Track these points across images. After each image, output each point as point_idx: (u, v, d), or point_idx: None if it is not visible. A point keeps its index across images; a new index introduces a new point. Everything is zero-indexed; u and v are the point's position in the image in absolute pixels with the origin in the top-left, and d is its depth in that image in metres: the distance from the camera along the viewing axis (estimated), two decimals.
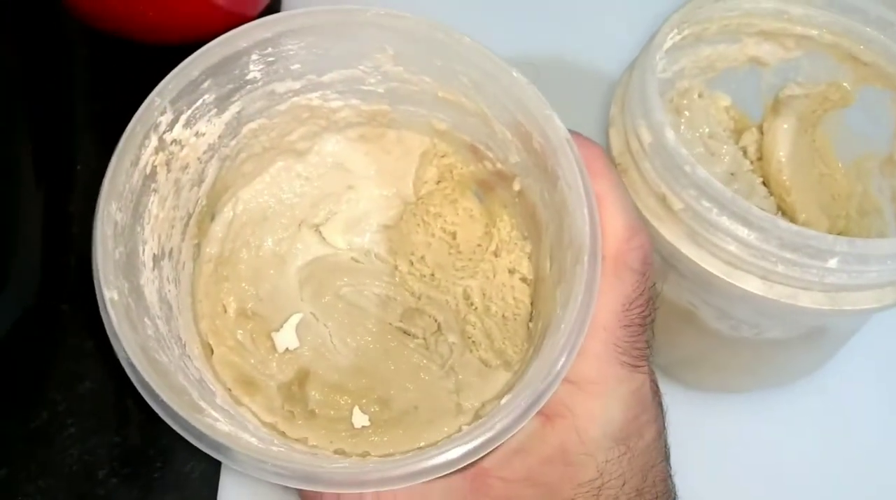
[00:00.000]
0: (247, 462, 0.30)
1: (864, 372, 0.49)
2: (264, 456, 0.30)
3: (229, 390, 0.36)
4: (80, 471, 0.44)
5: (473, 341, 0.38)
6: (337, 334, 0.39)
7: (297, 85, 0.37)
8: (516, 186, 0.38)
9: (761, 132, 0.49)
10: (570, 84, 0.56)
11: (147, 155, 0.34)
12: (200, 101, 0.35)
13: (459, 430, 0.35)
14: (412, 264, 0.40)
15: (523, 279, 0.39)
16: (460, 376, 0.38)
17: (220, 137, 0.37)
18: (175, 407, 0.30)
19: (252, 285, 0.39)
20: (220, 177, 0.38)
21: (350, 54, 0.37)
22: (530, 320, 0.38)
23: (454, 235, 0.41)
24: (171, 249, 0.36)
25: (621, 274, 0.33)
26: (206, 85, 0.35)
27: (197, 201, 0.38)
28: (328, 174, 0.41)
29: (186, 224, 0.37)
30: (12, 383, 0.46)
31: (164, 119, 0.34)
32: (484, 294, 0.39)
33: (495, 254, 0.40)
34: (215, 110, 0.36)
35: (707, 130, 0.48)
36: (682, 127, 0.47)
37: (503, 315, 0.39)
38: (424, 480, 0.30)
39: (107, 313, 0.31)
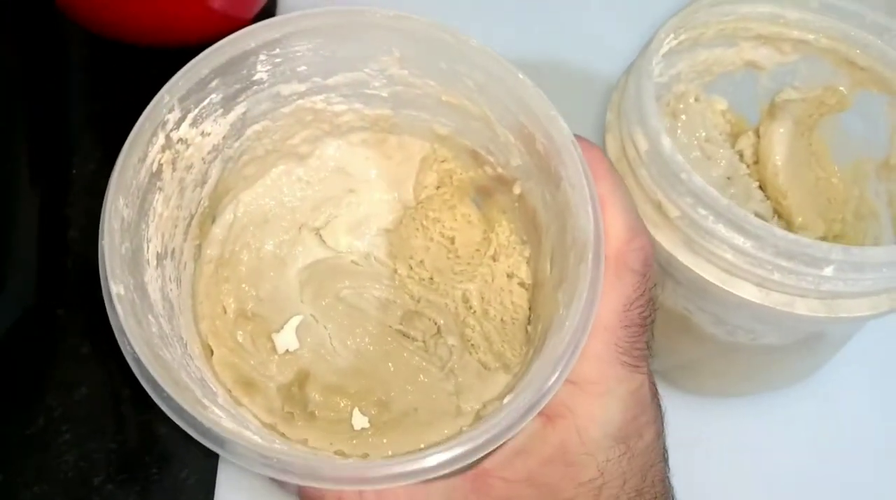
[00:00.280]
0: (252, 458, 0.30)
1: (860, 375, 0.49)
2: (269, 452, 0.30)
3: (229, 391, 0.36)
4: (75, 477, 0.44)
5: (472, 344, 0.39)
6: (337, 336, 0.39)
7: (302, 87, 0.38)
8: (517, 190, 0.38)
9: (758, 136, 0.49)
10: (568, 88, 0.56)
11: (154, 152, 0.34)
12: (208, 100, 0.35)
13: (460, 432, 0.35)
14: (411, 267, 0.40)
15: (521, 284, 0.39)
16: (460, 379, 0.38)
17: (224, 137, 0.37)
18: (181, 402, 0.30)
19: (252, 286, 0.39)
20: (223, 179, 0.38)
21: (356, 56, 0.37)
22: (528, 324, 0.39)
23: (452, 240, 0.41)
24: (174, 248, 0.36)
25: (622, 275, 0.33)
26: (213, 84, 0.35)
27: (199, 202, 0.38)
28: (329, 178, 0.41)
29: (189, 225, 0.37)
30: (8, 389, 0.46)
31: (172, 117, 0.34)
32: (483, 298, 0.39)
33: (493, 258, 0.40)
34: (221, 110, 0.36)
35: (703, 133, 0.48)
36: (679, 131, 0.47)
37: (501, 319, 0.39)
38: (429, 477, 0.30)
39: (113, 307, 0.31)
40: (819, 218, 0.48)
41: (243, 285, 0.39)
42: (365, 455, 0.35)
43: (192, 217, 0.38)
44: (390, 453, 0.36)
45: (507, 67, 0.35)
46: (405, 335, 0.39)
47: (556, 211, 0.35)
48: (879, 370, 0.49)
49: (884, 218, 0.46)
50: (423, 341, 0.39)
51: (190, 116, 0.35)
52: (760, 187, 0.49)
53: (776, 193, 0.48)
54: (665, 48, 0.42)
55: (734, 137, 0.49)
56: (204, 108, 0.35)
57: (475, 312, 0.39)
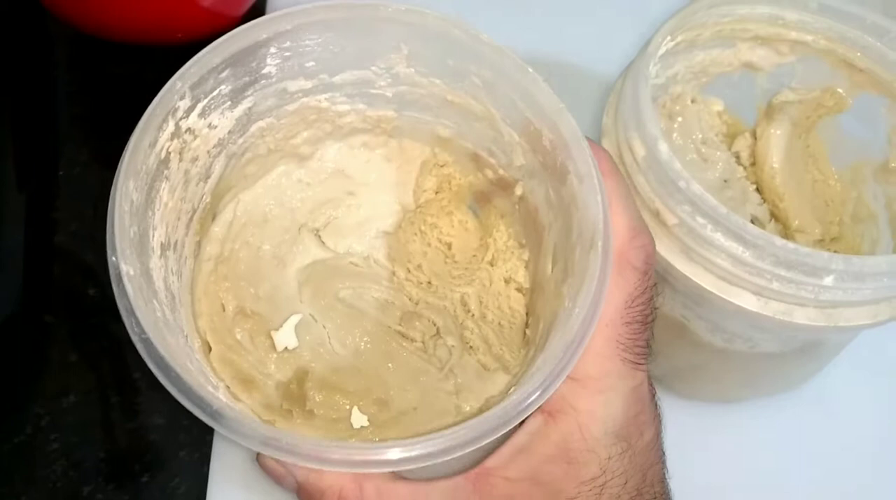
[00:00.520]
0: (261, 441, 0.29)
1: (858, 379, 0.49)
2: (278, 434, 0.30)
3: (228, 387, 0.36)
4: (64, 487, 0.43)
5: (471, 346, 0.39)
6: (335, 335, 0.39)
7: (308, 84, 0.38)
8: (518, 191, 0.38)
9: (755, 137, 0.49)
10: (565, 89, 0.55)
11: (164, 139, 0.34)
12: (217, 91, 0.35)
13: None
14: (409, 271, 0.41)
15: (519, 289, 0.39)
16: (459, 379, 0.38)
17: (229, 132, 0.37)
18: (190, 383, 0.30)
19: (251, 284, 0.39)
20: (225, 176, 0.39)
21: (364, 53, 0.37)
22: (527, 327, 0.39)
23: (450, 246, 0.41)
24: (177, 241, 0.36)
25: (624, 272, 0.33)
26: (224, 74, 0.35)
27: (202, 197, 0.38)
28: (329, 180, 0.42)
29: (191, 219, 0.38)
30: None
31: (183, 105, 0.34)
32: (480, 302, 0.40)
33: (491, 263, 0.40)
34: (229, 103, 0.36)
35: (700, 135, 0.47)
36: (675, 133, 0.47)
37: (499, 323, 0.39)
38: (439, 460, 0.29)
39: (122, 287, 0.31)
40: (816, 221, 0.47)
41: (242, 283, 0.39)
42: None
43: (194, 212, 0.38)
44: None
45: (517, 62, 0.35)
46: (404, 336, 0.39)
47: (561, 207, 0.35)
48: (877, 374, 0.49)
49: (881, 221, 0.46)
50: (423, 342, 0.39)
51: (199, 106, 0.35)
52: (757, 190, 0.48)
53: (773, 196, 0.48)
54: (662, 50, 0.41)
55: (731, 138, 0.49)
56: (213, 99, 0.35)
57: (473, 315, 0.40)
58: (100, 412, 0.45)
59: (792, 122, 0.47)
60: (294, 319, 0.39)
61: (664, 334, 0.42)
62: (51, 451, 0.44)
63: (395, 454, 0.29)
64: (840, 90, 0.45)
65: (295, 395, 0.36)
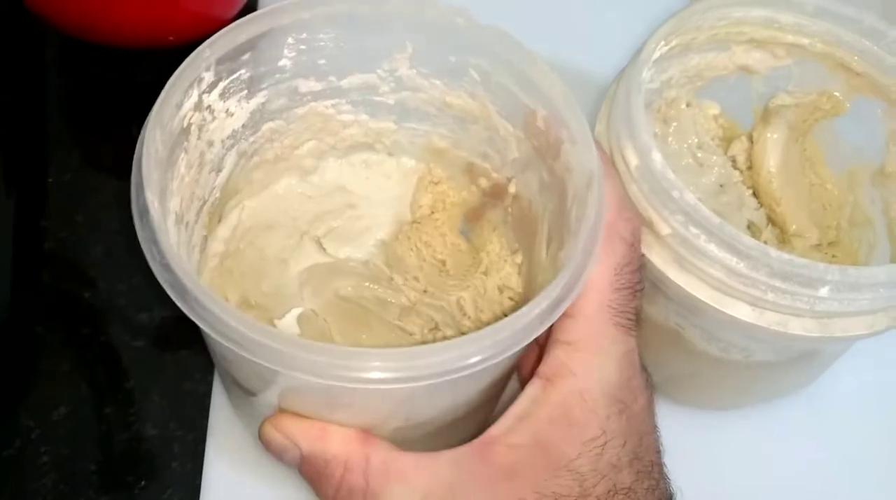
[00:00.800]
0: (304, 364, 0.29)
1: (855, 385, 0.48)
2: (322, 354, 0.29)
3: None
4: None
5: None
6: (336, 328, 0.40)
7: (318, 86, 0.40)
8: (511, 190, 0.40)
9: (751, 141, 0.48)
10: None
11: (188, 106, 0.35)
12: (237, 74, 0.37)
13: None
14: (406, 280, 0.42)
15: (512, 298, 0.40)
16: None
17: (243, 126, 0.39)
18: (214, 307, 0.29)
19: (255, 281, 0.40)
20: (234, 175, 0.40)
21: (372, 53, 0.39)
22: None
23: (444, 263, 0.43)
24: (188, 222, 0.37)
25: (613, 242, 0.34)
26: (245, 57, 0.36)
27: (212, 190, 0.39)
28: (330, 194, 0.44)
29: (201, 208, 0.39)
30: None
31: (207, 77, 0.35)
32: (476, 306, 0.41)
33: (485, 273, 0.41)
34: (246, 92, 0.38)
35: (696, 140, 0.47)
36: (670, 138, 0.46)
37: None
38: (470, 371, 0.30)
39: (149, 218, 0.30)
40: (813, 225, 0.47)
41: (246, 278, 0.40)
42: None
43: (204, 202, 0.39)
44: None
45: (513, 42, 0.37)
46: (403, 330, 0.40)
47: (555, 184, 0.36)
48: (875, 380, 0.49)
49: (879, 225, 0.45)
50: (421, 336, 0.40)
51: (221, 85, 0.36)
52: (754, 194, 0.47)
53: (770, 200, 0.47)
54: (656, 55, 0.41)
55: (727, 142, 0.48)
56: (233, 82, 0.37)
57: (469, 317, 0.41)
58: (91, 424, 0.44)
59: (789, 125, 0.47)
60: (296, 310, 0.40)
61: (658, 343, 0.41)
62: (41, 464, 0.43)
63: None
64: (837, 93, 0.45)
65: None
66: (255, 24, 0.36)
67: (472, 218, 0.43)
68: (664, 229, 0.36)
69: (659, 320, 0.41)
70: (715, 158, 0.47)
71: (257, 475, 0.43)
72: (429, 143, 0.42)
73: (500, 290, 0.41)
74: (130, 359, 0.46)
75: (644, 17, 0.45)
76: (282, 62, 0.38)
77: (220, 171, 0.39)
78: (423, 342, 0.39)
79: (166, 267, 0.30)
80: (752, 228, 0.47)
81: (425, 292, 0.41)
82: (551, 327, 0.32)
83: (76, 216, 0.50)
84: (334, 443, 0.33)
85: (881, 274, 0.34)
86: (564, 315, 0.32)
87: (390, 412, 0.34)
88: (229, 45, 0.35)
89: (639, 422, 0.34)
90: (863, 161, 0.45)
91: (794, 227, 0.47)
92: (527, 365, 0.37)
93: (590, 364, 0.33)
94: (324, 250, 0.42)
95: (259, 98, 0.39)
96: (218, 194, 0.40)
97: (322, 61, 0.39)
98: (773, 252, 0.34)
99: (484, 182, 0.42)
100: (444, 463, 0.33)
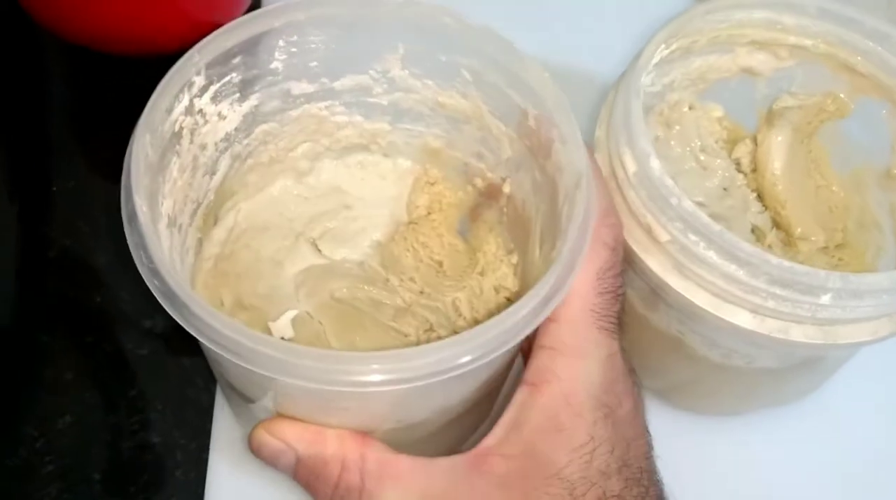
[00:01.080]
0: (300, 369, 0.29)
1: (859, 391, 0.48)
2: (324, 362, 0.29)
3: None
4: None
5: None
6: (331, 329, 0.40)
7: (310, 88, 0.40)
8: (506, 189, 0.40)
9: (755, 143, 0.47)
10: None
11: (178, 111, 0.35)
12: (229, 78, 0.37)
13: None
14: (402, 281, 0.42)
15: (508, 298, 0.40)
16: None
17: (236, 129, 0.39)
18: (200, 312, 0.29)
19: (250, 283, 0.40)
20: (228, 178, 0.40)
21: (364, 54, 0.39)
22: None
23: (441, 264, 0.42)
24: (181, 224, 0.37)
25: (596, 248, 0.34)
26: (236, 61, 0.36)
27: (206, 193, 0.39)
28: (326, 195, 0.43)
29: (195, 211, 0.39)
30: None
31: (198, 82, 0.35)
32: (472, 306, 0.41)
33: (481, 274, 0.41)
34: (238, 95, 0.38)
35: (699, 143, 0.46)
36: (673, 141, 0.46)
37: None
38: (457, 373, 0.30)
39: (137, 222, 0.31)
40: (819, 228, 0.46)
41: (241, 280, 0.40)
42: None
43: (198, 205, 0.39)
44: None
45: (502, 42, 0.36)
46: (398, 331, 0.40)
47: (546, 184, 0.36)
48: (878, 386, 0.48)
49: (886, 228, 0.44)
50: (416, 337, 0.40)
51: (212, 89, 0.36)
52: (758, 197, 0.47)
53: (775, 203, 0.46)
54: (656, 58, 0.40)
55: (731, 143, 0.48)
56: (224, 85, 0.37)
57: (464, 317, 0.40)
58: (95, 433, 0.44)
59: (793, 127, 0.46)
60: (291, 312, 0.40)
61: (660, 350, 0.41)
62: (45, 474, 0.43)
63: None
64: (841, 95, 0.44)
65: None
66: (244, 27, 0.36)
67: (471, 217, 0.43)
68: (663, 236, 0.36)
69: (660, 326, 0.40)
70: (719, 160, 0.46)
71: (261, 482, 0.43)
72: (424, 143, 0.42)
73: (497, 290, 0.41)
74: (134, 367, 0.47)
75: (647, 19, 0.45)
76: (273, 65, 0.38)
77: (214, 174, 0.39)
78: (418, 343, 0.39)
79: (154, 271, 0.30)
80: (757, 232, 0.46)
81: (421, 292, 0.41)
82: (535, 332, 0.32)
83: (80, 224, 0.50)
84: (331, 444, 0.33)
85: (884, 281, 0.34)
86: (548, 320, 0.32)
87: (383, 415, 0.34)
88: (219, 49, 0.35)
89: (625, 427, 0.34)
90: (868, 162, 0.45)
91: (799, 229, 0.46)
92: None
93: (574, 368, 0.33)
94: (319, 251, 0.42)
95: (252, 101, 0.39)
96: (212, 197, 0.40)
97: (314, 63, 0.39)
98: (774, 260, 0.34)
99: (479, 182, 0.42)
100: (440, 470, 0.33)
